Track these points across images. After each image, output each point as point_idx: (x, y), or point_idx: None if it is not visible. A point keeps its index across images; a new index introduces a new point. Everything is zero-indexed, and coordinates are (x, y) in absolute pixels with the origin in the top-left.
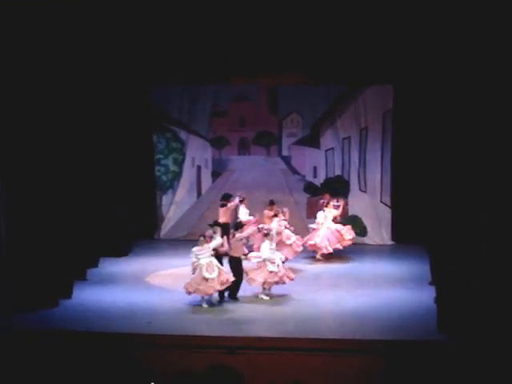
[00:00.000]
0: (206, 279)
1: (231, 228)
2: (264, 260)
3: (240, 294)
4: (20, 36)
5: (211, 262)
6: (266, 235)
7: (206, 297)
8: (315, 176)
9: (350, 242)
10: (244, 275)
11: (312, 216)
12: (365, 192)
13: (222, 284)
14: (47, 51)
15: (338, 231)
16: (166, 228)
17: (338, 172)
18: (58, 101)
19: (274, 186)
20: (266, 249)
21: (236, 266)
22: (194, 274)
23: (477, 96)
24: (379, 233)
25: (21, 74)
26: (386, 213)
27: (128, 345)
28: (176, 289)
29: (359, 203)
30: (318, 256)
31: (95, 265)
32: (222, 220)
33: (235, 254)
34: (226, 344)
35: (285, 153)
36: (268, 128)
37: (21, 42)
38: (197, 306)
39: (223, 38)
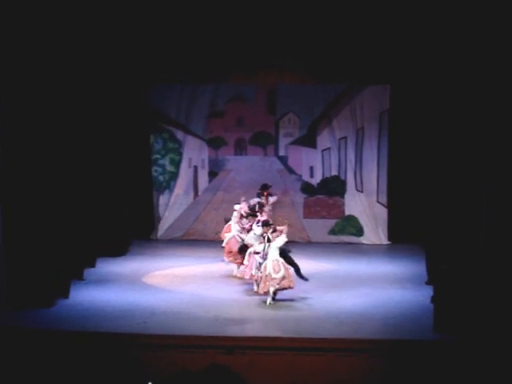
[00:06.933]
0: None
1: None
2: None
3: (236, 294)
4: (16, 32)
5: (277, 259)
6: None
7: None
8: (312, 176)
9: None
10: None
11: (308, 216)
12: (361, 192)
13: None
14: (44, 50)
15: None
16: (162, 228)
17: (334, 172)
18: (56, 100)
19: None
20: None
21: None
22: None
23: (473, 96)
24: (376, 233)
25: (17, 74)
26: (383, 212)
27: (125, 345)
28: (173, 289)
29: (356, 203)
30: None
31: (92, 265)
32: None
33: None
34: (223, 344)
35: (281, 153)
36: (265, 128)
37: (17, 38)
38: (193, 306)
39: (221, 37)
